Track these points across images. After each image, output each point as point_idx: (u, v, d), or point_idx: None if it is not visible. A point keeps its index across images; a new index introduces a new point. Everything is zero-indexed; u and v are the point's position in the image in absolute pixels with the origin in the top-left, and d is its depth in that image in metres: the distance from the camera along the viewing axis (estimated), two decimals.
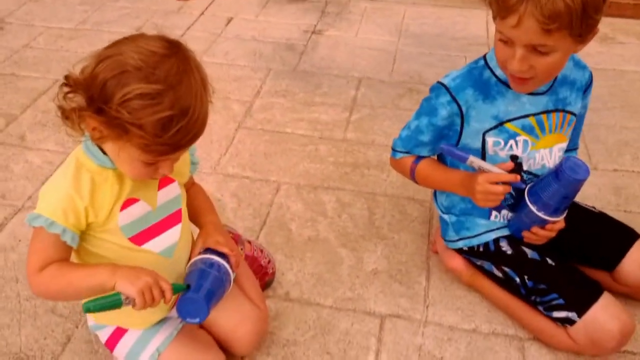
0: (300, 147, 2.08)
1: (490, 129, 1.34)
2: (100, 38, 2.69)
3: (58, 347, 1.39)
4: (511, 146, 1.35)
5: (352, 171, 1.98)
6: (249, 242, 1.57)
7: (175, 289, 1.11)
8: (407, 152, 1.47)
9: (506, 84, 1.31)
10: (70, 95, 1.01)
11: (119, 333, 1.27)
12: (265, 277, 1.55)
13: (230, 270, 1.20)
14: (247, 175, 1.95)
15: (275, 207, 1.82)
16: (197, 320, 1.13)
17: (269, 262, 1.57)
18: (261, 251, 1.57)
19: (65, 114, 1.03)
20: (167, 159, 1.05)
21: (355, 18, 3.04)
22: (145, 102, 0.95)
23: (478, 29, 2.95)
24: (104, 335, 1.30)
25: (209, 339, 1.32)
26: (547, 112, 1.35)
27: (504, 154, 1.36)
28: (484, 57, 1.36)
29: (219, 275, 1.17)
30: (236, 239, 1.50)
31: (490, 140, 1.35)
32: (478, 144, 1.36)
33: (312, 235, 1.72)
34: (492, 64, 1.33)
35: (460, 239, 1.49)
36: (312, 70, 2.56)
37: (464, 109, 1.33)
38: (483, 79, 1.33)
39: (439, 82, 1.37)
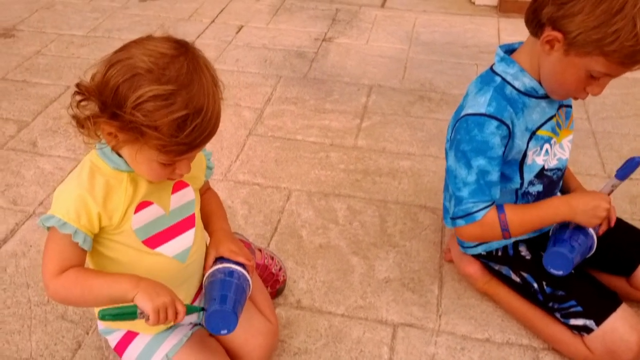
0: (311, 154, 2.08)
1: (528, 142, 1.32)
2: (111, 45, 2.69)
3: (68, 353, 1.38)
4: (547, 150, 1.35)
5: (363, 178, 1.97)
6: (260, 250, 1.56)
7: (190, 310, 1.11)
8: (487, 204, 1.31)
9: (526, 94, 1.29)
10: (83, 103, 1.01)
11: (128, 337, 1.26)
12: (276, 285, 1.54)
13: (249, 277, 1.19)
14: (257, 182, 1.94)
15: (286, 214, 1.81)
16: (227, 331, 1.12)
17: (280, 269, 1.56)
18: (272, 259, 1.56)
19: (80, 123, 1.02)
20: (184, 158, 1.05)
21: (366, 26, 3.04)
22: (159, 103, 0.95)
23: (489, 36, 2.94)
24: (113, 340, 1.29)
25: (219, 348, 1.30)
26: (558, 109, 1.36)
27: (540, 159, 1.35)
28: (496, 73, 1.32)
29: (240, 283, 1.16)
30: (246, 247, 1.49)
31: (530, 152, 1.33)
32: (519, 157, 1.34)
33: (323, 243, 1.71)
34: (508, 77, 1.30)
35: (480, 244, 1.48)
36: (322, 78, 2.55)
37: (511, 128, 1.28)
38: (507, 96, 1.30)
39: (475, 115, 1.29)
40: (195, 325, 1.30)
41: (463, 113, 1.33)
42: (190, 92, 0.96)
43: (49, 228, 1.07)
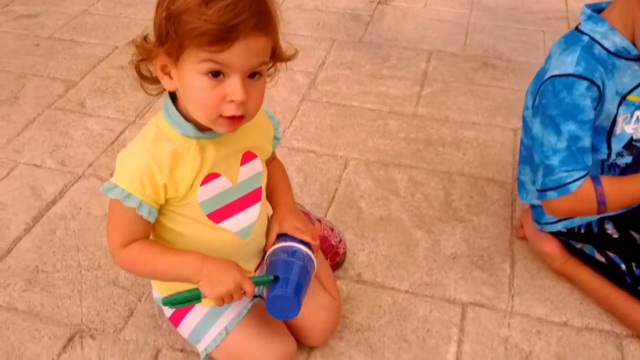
0: (368, 122, 1.97)
1: (618, 106, 1.20)
2: None
3: (120, 320, 1.32)
4: (638, 117, 1.21)
5: (425, 148, 1.85)
6: (319, 220, 1.47)
7: (261, 282, 1.04)
8: (582, 174, 1.19)
9: (616, 55, 1.17)
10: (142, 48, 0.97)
11: (184, 308, 1.19)
12: (336, 258, 1.45)
13: (313, 257, 1.11)
14: (312, 149, 1.85)
15: (344, 184, 1.72)
16: (290, 317, 1.05)
17: (340, 241, 1.47)
18: (331, 230, 1.47)
19: (139, 67, 0.99)
20: (228, 65, 0.91)
21: None
22: None
23: (556, 2, 2.76)
24: (168, 310, 1.23)
25: (279, 323, 1.22)
26: None
27: (630, 128, 1.22)
28: (582, 32, 1.21)
29: (304, 264, 1.07)
30: (306, 217, 1.40)
31: (620, 118, 1.21)
32: (607, 124, 1.22)
33: (384, 215, 1.61)
34: (597, 36, 1.18)
35: (560, 220, 1.36)
36: (378, 42, 2.43)
37: (602, 89, 1.17)
38: (596, 55, 1.18)
39: (562, 76, 1.18)
40: (256, 297, 1.22)
41: (548, 75, 1.21)
42: None
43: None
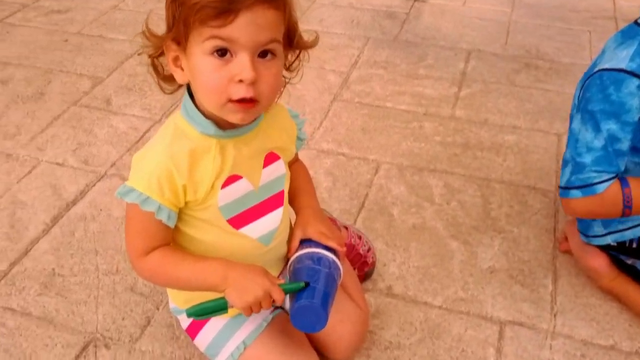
0: (402, 124, 1.88)
1: None
2: None
3: (137, 329, 1.26)
4: None
5: (463, 153, 1.75)
6: (346, 227, 1.39)
7: (290, 289, 0.96)
8: (612, 176, 1.12)
9: None
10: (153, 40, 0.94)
11: (202, 320, 1.12)
12: (364, 268, 1.36)
13: (339, 264, 1.02)
14: (343, 152, 1.76)
15: (375, 189, 1.63)
16: (316, 329, 0.97)
17: (368, 250, 1.38)
18: (359, 238, 1.39)
19: (154, 62, 0.96)
20: (234, 41, 0.85)
21: None
22: None
23: (602, 0, 2.63)
24: (184, 321, 1.16)
25: (301, 336, 1.15)
26: None
27: None
28: None
29: (330, 271, 0.99)
30: (332, 223, 1.32)
31: None
32: None
33: (417, 223, 1.52)
34: None
35: (609, 233, 1.26)
36: (415, 41, 2.34)
37: None
38: None
39: (612, 71, 1.10)
40: (277, 308, 1.15)
41: (598, 68, 1.12)
42: None
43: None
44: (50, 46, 2.29)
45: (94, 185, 1.63)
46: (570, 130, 1.19)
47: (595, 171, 1.12)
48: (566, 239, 1.42)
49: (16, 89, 2.03)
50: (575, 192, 1.14)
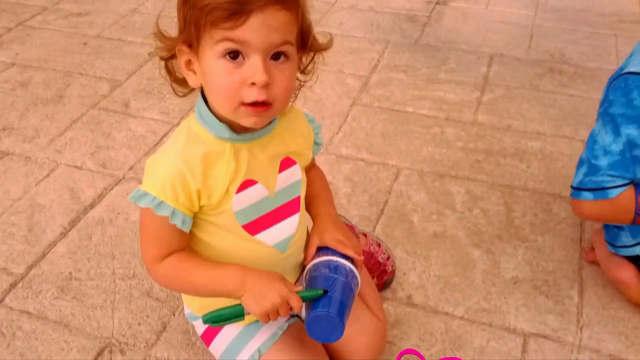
0: (423, 129, 1.84)
1: None
2: None
3: (152, 335, 1.24)
4: None
5: (485, 159, 1.72)
6: (365, 234, 1.36)
7: (308, 297, 0.93)
8: (626, 182, 1.10)
9: None
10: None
11: (217, 327, 1.10)
12: (383, 276, 1.34)
13: (357, 273, 1.00)
14: (362, 157, 1.74)
15: (395, 195, 1.60)
16: (332, 339, 0.95)
17: (387, 258, 1.35)
18: (379, 245, 1.36)
19: (167, 65, 0.96)
20: (245, 43, 0.84)
21: None
22: None
23: (629, 3, 2.59)
24: (200, 327, 1.15)
25: (317, 346, 1.12)
26: None
27: None
28: None
29: (347, 280, 0.97)
30: (350, 230, 1.29)
31: None
32: None
33: (438, 231, 1.49)
34: None
35: (638, 244, 1.22)
36: (436, 44, 2.31)
37: None
38: None
39: (638, 75, 1.06)
40: (293, 316, 1.13)
41: (624, 71, 1.09)
42: None
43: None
44: (70, 49, 2.29)
45: (112, 188, 1.62)
46: (591, 131, 1.16)
47: (610, 175, 1.10)
48: (593, 249, 1.39)
49: (35, 92, 2.04)
50: (587, 194, 1.12)
